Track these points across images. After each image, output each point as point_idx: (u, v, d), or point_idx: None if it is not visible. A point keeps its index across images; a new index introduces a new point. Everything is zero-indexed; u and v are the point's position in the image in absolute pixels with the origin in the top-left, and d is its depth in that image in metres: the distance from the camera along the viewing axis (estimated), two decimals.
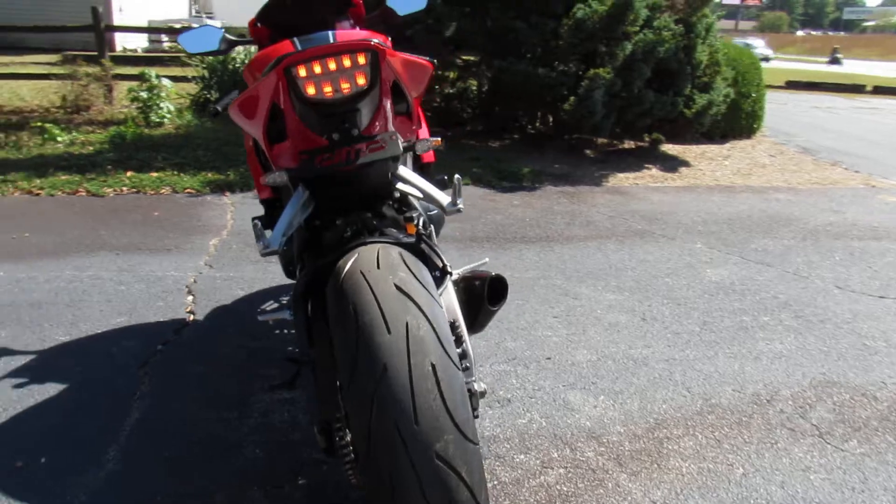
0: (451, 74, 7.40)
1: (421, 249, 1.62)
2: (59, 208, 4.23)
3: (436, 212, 2.10)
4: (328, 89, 1.26)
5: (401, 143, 1.37)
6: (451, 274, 1.61)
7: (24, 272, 3.17)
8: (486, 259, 2.18)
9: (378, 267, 1.34)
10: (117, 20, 15.47)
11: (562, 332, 2.80)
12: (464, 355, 1.42)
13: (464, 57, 7.02)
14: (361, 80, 1.26)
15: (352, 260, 1.38)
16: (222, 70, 7.45)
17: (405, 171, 1.64)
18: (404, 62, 1.35)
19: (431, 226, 1.90)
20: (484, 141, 7.02)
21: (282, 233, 1.61)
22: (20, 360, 2.38)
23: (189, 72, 7.72)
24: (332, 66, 1.24)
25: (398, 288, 1.29)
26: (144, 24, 15.48)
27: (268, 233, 1.60)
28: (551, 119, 7.09)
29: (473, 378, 1.48)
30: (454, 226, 4.21)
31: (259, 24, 2.17)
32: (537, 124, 7.48)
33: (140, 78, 7.03)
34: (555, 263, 3.63)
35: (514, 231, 4.20)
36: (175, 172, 5.02)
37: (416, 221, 1.69)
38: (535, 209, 4.75)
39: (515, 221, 4.41)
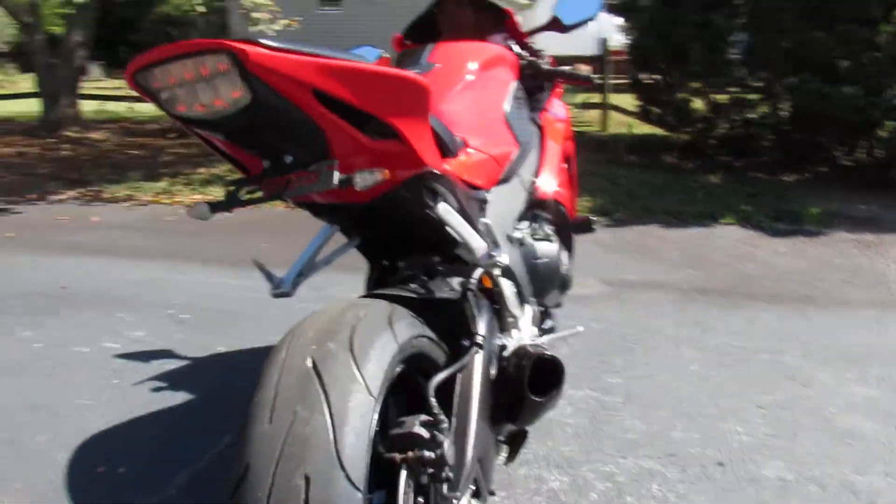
0: (749, 96, 6.48)
1: (461, 310, 1.26)
2: None
3: (544, 262, 1.69)
4: (199, 104, 0.95)
5: (336, 176, 1.01)
6: (479, 347, 1.21)
7: (253, 280, 3.43)
8: (580, 327, 1.66)
9: (311, 332, 1.02)
10: None
11: (760, 430, 2.09)
12: (441, 461, 1.02)
13: (760, 77, 6.08)
14: (236, 93, 0.92)
15: (305, 320, 1.09)
16: None
17: (445, 208, 1.29)
18: (334, 71, 0.95)
19: (506, 281, 1.48)
20: (776, 173, 5.99)
21: (296, 272, 1.40)
22: (175, 364, 2.52)
23: None
24: (188, 73, 0.92)
25: (313, 364, 0.95)
26: None
27: None
28: (870, 148, 5.75)
29: (459, 492, 1.07)
30: (685, 272, 3.55)
31: (406, 41, 1.99)
32: (857, 154, 6.14)
33: None
34: (797, 334, 2.80)
35: (762, 285, 3.38)
36: None
37: (478, 273, 1.31)
38: (806, 259, 3.81)
39: (770, 273, 3.57)
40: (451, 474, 1.05)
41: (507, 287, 1.46)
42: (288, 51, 0.92)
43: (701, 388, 2.33)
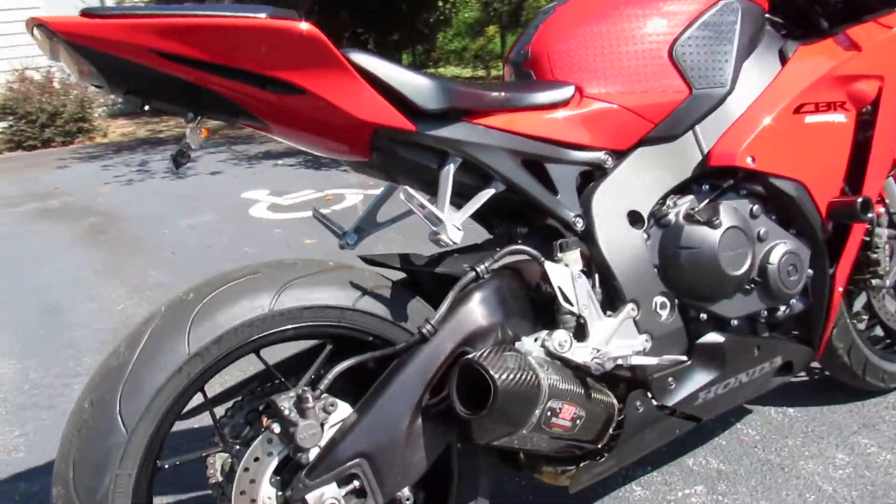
0: None
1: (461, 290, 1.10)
2: None
3: (691, 252, 1.25)
4: (79, 72, 0.98)
5: (196, 134, 1.03)
6: (422, 336, 1.06)
7: None
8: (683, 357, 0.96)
9: (202, 280, 1.06)
10: None
11: None
12: (290, 440, 0.99)
13: None
14: (80, 60, 0.93)
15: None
16: None
17: (446, 174, 1.12)
18: (165, 30, 0.90)
19: (563, 270, 1.13)
20: None
21: (355, 226, 1.34)
22: None
23: None
24: (48, 49, 0.95)
25: (163, 308, 1.02)
26: None
27: None
28: None
29: (312, 482, 1.00)
30: None
31: None
32: None
33: None
34: None
35: None
36: None
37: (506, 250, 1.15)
38: None
39: None
40: (310, 459, 1.00)
41: (561, 278, 1.12)
42: (117, 16, 0.91)
43: None
